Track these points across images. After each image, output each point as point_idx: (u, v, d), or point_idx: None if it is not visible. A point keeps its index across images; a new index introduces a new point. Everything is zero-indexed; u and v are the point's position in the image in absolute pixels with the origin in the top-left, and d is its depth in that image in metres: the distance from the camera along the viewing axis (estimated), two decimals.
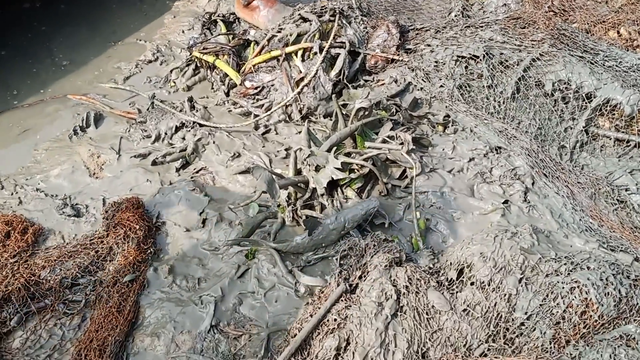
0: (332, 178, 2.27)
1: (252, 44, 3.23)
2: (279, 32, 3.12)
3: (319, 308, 1.91)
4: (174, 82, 3.23)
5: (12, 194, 2.58)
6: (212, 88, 3.19)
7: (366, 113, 2.51)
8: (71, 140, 2.83)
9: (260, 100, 2.93)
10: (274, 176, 2.19)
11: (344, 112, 2.59)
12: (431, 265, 2.07)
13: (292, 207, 2.31)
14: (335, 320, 1.87)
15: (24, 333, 2.00)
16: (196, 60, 3.23)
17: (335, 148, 2.40)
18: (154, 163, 2.68)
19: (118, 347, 1.93)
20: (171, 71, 3.28)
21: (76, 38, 3.50)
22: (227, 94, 3.06)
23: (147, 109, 2.97)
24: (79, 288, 2.15)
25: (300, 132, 2.75)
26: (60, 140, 2.83)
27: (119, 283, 2.13)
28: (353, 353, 1.78)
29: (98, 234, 2.33)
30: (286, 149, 2.69)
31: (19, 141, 2.87)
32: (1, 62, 3.21)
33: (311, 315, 1.90)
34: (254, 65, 3.07)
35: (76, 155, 2.75)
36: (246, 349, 1.92)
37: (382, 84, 2.95)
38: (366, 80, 3.02)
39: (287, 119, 2.84)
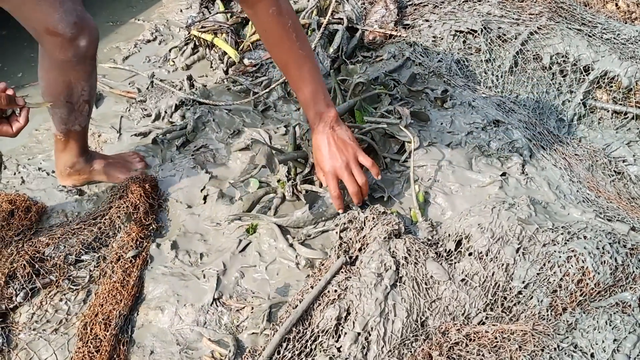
0: None
1: (250, 22, 3.23)
2: None
3: (320, 280, 1.94)
4: (173, 61, 3.24)
5: (14, 173, 2.61)
6: (211, 66, 3.20)
7: (364, 88, 2.53)
8: None
9: (259, 77, 2.95)
10: (273, 151, 2.21)
11: (343, 88, 2.61)
12: (430, 237, 2.10)
13: (292, 182, 2.33)
14: (335, 291, 1.90)
15: (30, 308, 2.04)
16: (195, 39, 3.24)
17: None
18: (155, 141, 2.70)
19: (123, 321, 1.97)
20: (170, 50, 3.29)
21: None
22: (226, 72, 3.07)
23: (147, 88, 2.99)
24: (83, 264, 2.18)
25: (299, 109, 2.77)
26: None
27: (122, 259, 2.16)
28: (353, 322, 1.81)
29: (100, 211, 2.36)
30: (285, 126, 2.71)
31: None
32: (2, 42, 3.22)
33: (312, 287, 1.93)
34: (252, 43, 3.08)
35: None
36: (248, 321, 1.96)
37: (381, 60, 2.96)
38: (364, 56, 3.03)
39: (287, 95, 2.86)
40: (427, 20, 3.14)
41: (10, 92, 1.64)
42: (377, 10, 3.14)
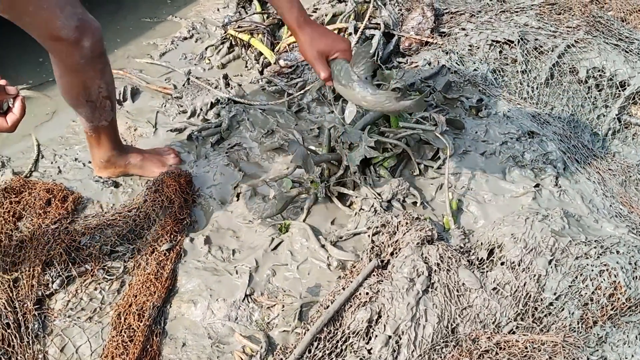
0: (365, 156, 2.30)
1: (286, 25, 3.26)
2: (314, 12, 3.15)
3: (351, 282, 1.95)
4: (209, 60, 3.28)
5: (51, 162, 2.65)
6: (246, 66, 3.23)
7: (401, 94, 2.54)
8: None
9: (294, 79, 2.97)
10: (308, 152, 2.23)
11: None
12: (462, 245, 2.11)
13: (325, 184, 2.35)
14: (367, 293, 1.91)
15: (65, 295, 2.08)
16: (231, 38, 3.28)
17: (369, 127, 2.43)
18: (190, 138, 2.74)
19: (156, 312, 2.00)
20: (206, 48, 3.32)
21: (111, 16, 3.56)
22: (262, 72, 3.10)
23: (183, 85, 3.03)
24: (118, 255, 2.22)
25: (333, 112, 2.79)
26: None
27: (156, 251, 2.20)
28: (384, 325, 1.82)
29: (136, 203, 2.40)
30: (318, 128, 2.73)
31: (58, 113, 2.94)
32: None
33: (343, 289, 1.95)
34: (288, 45, 3.11)
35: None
36: (279, 318, 1.98)
37: (416, 66, 2.98)
38: (400, 62, 3.04)
39: (321, 98, 2.88)
40: (463, 29, 3.15)
41: (2, 82, 1.59)
42: (414, 17, 3.16)
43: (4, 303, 2.00)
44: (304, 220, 2.30)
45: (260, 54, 3.15)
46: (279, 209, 2.27)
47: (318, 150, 2.47)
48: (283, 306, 2.01)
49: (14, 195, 2.41)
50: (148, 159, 2.55)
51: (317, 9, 3.19)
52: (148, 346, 1.91)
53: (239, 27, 3.27)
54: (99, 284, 2.13)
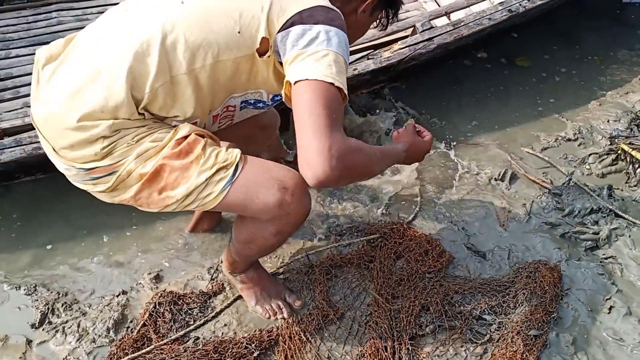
0: None
1: None
2: None
3: None
4: (590, 166, 3.28)
5: (429, 218, 2.90)
6: (627, 182, 3.17)
7: None
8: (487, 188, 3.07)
9: None
10: None
11: None
12: None
13: None
14: None
15: (434, 342, 2.24)
16: (620, 152, 3.25)
17: None
18: (563, 235, 2.77)
19: None
20: (589, 155, 3.34)
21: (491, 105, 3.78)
22: None
23: (563, 184, 3.08)
24: (485, 322, 2.32)
25: None
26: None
27: (522, 333, 2.25)
28: None
29: (505, 279, 2.49)
30: None
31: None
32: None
33: None
34: None
35: (489, 204, 2.97)
36: None
37: None
38: None
39: None
40: None
41: None
42: None
43: (385, 328, 2.23)
44: None
45: None
46: None
47: None
48: None
49: (398, 236, 2.69)
50: (266, 288, 2.40)
51: None
52: None
53: (630, 143, 3.23)
54: (465, 342, 2.25)
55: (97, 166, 1.72)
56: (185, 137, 1.74)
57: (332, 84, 1.55)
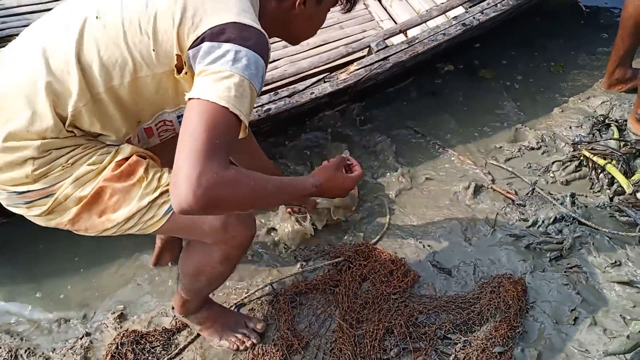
0: None
1: None
2: None
3: None
4: (553, 174, 3.29)
5: (394, 238, 2.89)
6: (591, 188, 3.18)
7: None
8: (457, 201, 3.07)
9: None
10: None
11: None
12: None
13: None
14: None
15: None
16: (582, 158, 3.27)
17: None
18: (527, 247, 2.77)
19: None
20: (553, 163, 3.35)
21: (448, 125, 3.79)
22: (611, 199, 3.03)
23: (527, 194, 3.09)
24: (450, 342, 2.32)
25: None
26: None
27: (487, 350, 2.25)
28: None
29: (470, 296, 2.49)
30: None
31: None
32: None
33: None
34: None
35: (454, 219, 2.97)
36: None
37: None
38: None
39: None
40: None
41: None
42: None
43: (349, 355, 2.22)
44: None
45: (613, 181, 3.09)
46: (627, 350, 2.17)
47: None
48: None
49: (362, 259, 2.68)
50: (219, 323, 2.38)
51: None
52: None
53: (592, 149, 3.25)
54: None
55: (29, 189, 1.67)
56: (126, 158, 1.72)
57: (226, 108, 1.43)
